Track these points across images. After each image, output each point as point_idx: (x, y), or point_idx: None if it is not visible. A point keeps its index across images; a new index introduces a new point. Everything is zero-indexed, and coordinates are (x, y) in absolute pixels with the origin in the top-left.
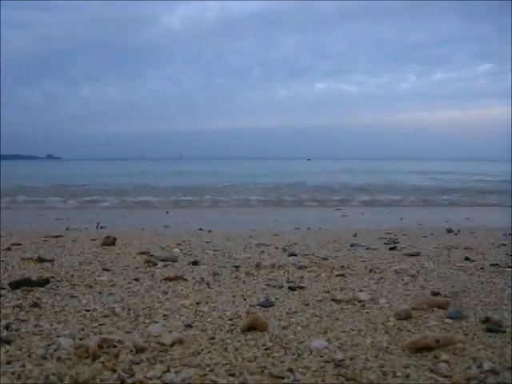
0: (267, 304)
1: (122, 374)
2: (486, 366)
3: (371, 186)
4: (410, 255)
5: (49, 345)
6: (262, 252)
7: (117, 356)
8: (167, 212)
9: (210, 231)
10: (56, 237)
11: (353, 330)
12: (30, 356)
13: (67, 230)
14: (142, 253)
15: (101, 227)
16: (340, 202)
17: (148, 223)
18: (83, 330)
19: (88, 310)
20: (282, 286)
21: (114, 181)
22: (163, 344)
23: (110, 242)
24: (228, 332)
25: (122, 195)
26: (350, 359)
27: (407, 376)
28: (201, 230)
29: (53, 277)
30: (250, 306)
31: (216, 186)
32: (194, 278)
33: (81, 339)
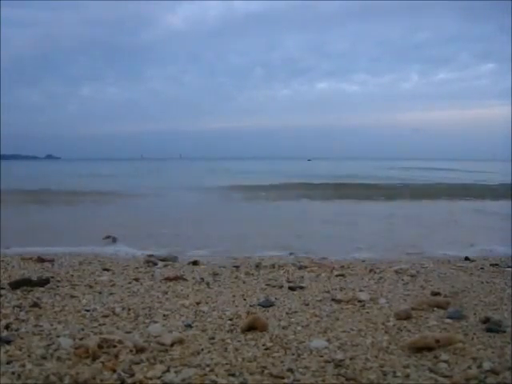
0: (267, 304)
1: (122, 373)
2: (486, 365)
3: None
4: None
5: (49, 345)
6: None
7: (117, 356)
8: None
9: None
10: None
11: (353, 329)
12: (29, 356)
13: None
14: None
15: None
16: None
17: None
18: (83, 330)
19: (88, 310)
20: (282, 286)
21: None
22: (163, 344)
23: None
24: (228, 332)
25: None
26: (350, 359)
27: (407, 376)
28: None
29: (53, 277)
30: (250, 305)
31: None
32: (194, 278)
33: (81, 339)
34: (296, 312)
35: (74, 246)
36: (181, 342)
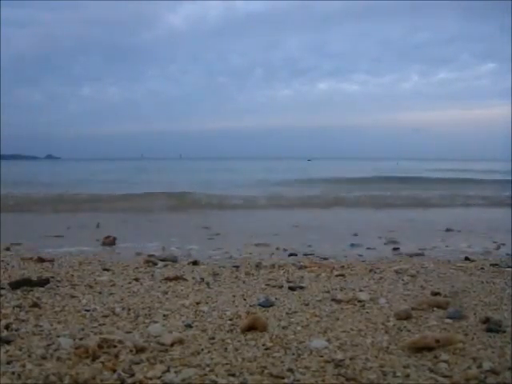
0: (267, 304)
1: (122, 374)
2: (486, 365)
3: None
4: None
5: (49, 345)
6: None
7: (117, 356)
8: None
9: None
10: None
11: (353, 329)
12: (29, 356)
13: (68, 228)
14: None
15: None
16: None
17: None
18: (83, 329)
19: (88, 310)
20: (282, 286)
21: None
22: (163, 344)
23: (109, 241)
24: (228, 332)
25: None
26: (350, 359)
27: (407, 376)
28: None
29: (53, 277)
30: (250, 306)
31: None
32: (193, 277)
33: (81, 339)
34: (296, 312)
35: (74, 246)
36: (181, 341)
